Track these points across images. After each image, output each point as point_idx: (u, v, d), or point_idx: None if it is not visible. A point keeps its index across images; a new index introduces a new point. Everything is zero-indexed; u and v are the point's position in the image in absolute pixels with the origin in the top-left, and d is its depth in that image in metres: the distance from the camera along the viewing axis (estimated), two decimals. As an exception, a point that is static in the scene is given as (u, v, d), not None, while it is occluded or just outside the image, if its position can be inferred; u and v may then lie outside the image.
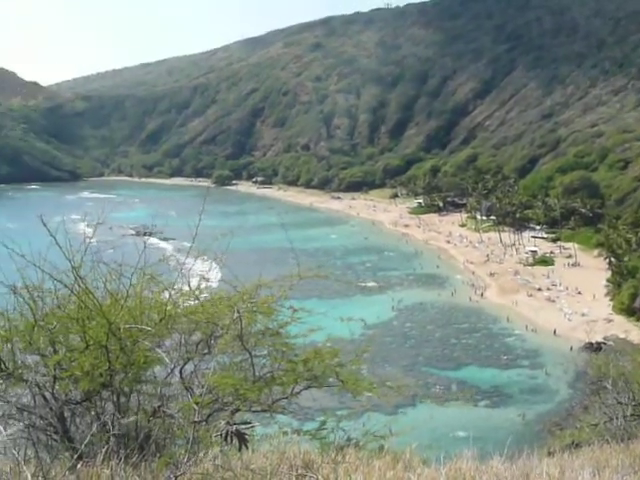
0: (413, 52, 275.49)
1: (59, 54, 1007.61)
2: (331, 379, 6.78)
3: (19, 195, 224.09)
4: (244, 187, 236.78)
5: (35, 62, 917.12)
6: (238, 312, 6.28)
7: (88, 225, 7.43)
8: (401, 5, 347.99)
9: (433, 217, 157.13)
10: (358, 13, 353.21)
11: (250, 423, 5.33)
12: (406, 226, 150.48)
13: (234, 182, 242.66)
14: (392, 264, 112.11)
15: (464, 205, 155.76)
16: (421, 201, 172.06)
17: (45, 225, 6.10)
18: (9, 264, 6.43)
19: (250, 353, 6.51)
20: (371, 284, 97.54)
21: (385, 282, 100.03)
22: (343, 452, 6.05)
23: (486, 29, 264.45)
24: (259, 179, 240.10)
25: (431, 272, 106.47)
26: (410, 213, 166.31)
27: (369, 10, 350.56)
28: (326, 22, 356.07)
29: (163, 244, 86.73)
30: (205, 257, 7.73)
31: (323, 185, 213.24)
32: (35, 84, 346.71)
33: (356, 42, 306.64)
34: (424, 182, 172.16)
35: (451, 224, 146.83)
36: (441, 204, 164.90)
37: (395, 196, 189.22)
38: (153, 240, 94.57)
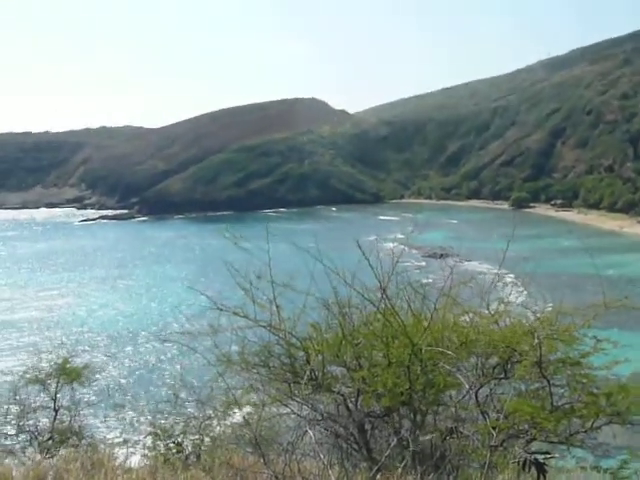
0: None
1: (367, 83, 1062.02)
2: (637, 416, 6.40)
3: (328, 215, 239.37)
4: (541, 210, 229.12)
5: (344, 93, 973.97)
6: (538, 338, 6.16)
7: (395, 246, 7.73)
8: None
9: None
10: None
11: (549, 453, 5.21)
12: None
13: (531, 205, 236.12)
14: None
15: None
16: None
17: (360, 247, 6.51)
18: (325, 281, 6.97)
19: (549, 381, 6.36)
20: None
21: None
22: (648, 496, 5.68)
23: None
24: (557, 202, 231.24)
25: None
26: None
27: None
28: (635, 36, 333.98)
29: (470, 266, 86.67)
30: (505, 280, 7.69)
31: (628, 209, 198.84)
32: (343, 112, 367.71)
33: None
34: None
35: None
36: None
37: None
38: (456, 263, 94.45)
